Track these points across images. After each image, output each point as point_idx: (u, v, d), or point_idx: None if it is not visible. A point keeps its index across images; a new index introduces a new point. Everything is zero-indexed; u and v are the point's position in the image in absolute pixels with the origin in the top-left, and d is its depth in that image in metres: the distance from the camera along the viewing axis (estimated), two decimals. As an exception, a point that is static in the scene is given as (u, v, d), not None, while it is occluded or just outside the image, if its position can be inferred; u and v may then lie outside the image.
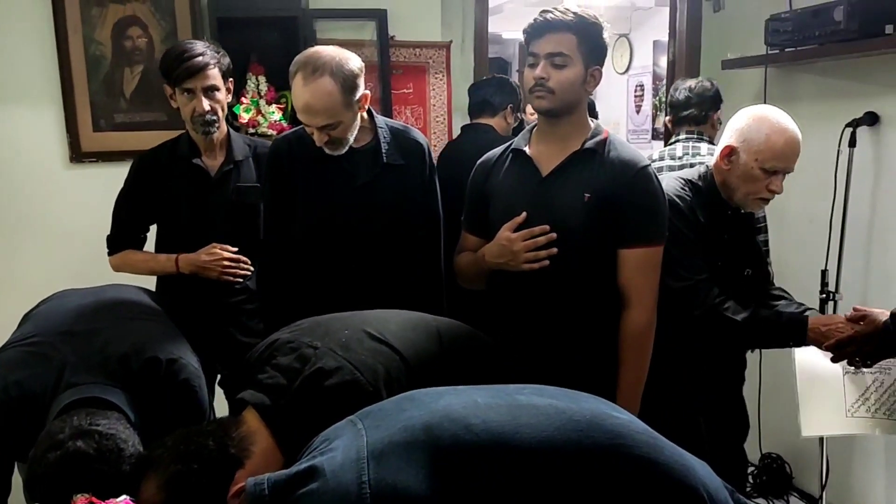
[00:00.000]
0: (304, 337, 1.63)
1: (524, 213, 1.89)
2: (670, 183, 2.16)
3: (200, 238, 2.37)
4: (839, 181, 3.03)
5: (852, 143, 3.00)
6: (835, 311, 3.00)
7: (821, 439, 3.05)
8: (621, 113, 8.94)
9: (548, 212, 1.87)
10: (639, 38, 7.09)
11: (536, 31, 1.88)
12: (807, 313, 2.16)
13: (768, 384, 3.56)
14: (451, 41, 3.43)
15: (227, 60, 2.39)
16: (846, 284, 3.03)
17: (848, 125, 2.98)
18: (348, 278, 2.14)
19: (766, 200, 2.16)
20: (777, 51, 3.15)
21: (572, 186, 1.87)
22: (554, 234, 1.86)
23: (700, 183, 2.20)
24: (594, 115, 4.40)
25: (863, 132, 3.01)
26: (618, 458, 1.14)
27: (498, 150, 2.08)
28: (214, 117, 2.33)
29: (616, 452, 1.14)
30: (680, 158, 3.05)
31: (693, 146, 3.06)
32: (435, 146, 3.38)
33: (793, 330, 2.08)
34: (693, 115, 3.10)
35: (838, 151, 3.00)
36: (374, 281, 2.14)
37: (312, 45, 2.27)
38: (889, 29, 2.69)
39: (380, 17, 3.22)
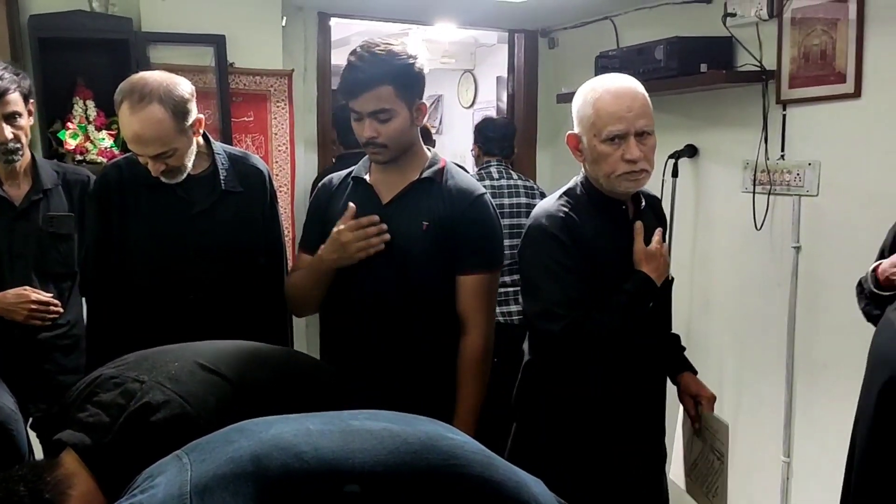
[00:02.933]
0: (129, 371, 1.53)
1: (352, 205, 1.89)
2: (545, 203, 1.91)
3: (10, 270, 2.24)
4: (665, 208, 3.22)
5: (675, 174, 3.21)
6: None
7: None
8: (468, 146, 9.14)
9: (389, 239, 1.87)
10: (483, 73, 7.32)
11: (352, 91, 1.82)
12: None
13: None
14: (293, 70, 3.40)
15: (27, 83, 2.28)
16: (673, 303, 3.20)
17: (671, 156, 3.19)
18: (186, 309, 2.04)
19: (634, 174, 1.80)
20: (606, 86, 3.33)
21: (411, 214, 1.88)
22: (384, 226, 1.86)
23: (578, 190, 1.91)
24: (430, 141, 4.53)
25: (684, 163, 3.23)
26: (452, 478, 1.13)
27: (341, 175, 2.06)
28: (17, 145, 2.22)
29: (451, 472, 1.14)
30: (496, 179, 3.48)
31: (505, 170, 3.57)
32: (276, 175, 3.32)
33: (642, 288, 1.82)
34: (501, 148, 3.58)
35: (663, 181, 3.20)
36: (214, 311, 2.05)
37: (146, 70, 2.17)
38: (704, 67, 2.91)
39: (218, 43, 3.15)
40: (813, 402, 2.83)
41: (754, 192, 2.93)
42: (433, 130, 5.96)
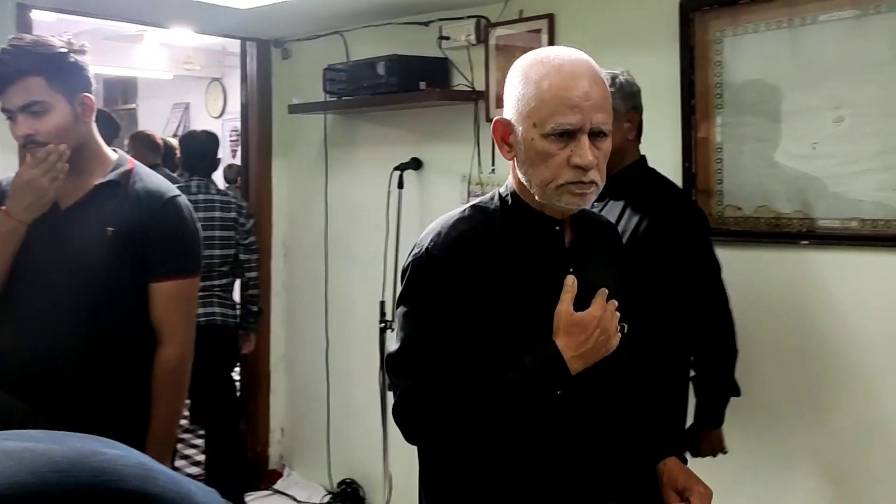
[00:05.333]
0: None
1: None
2: (446, 215, 1.42)
3: None
4: (391, 219, 3.34)
5: (400, 185, 3.34)
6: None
7: (384, 458, 3.30)
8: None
9: (66, 248, 1.76)
10: (233, 82, 7.15)
11: None
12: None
13: (337, 414, 3.77)
14: None
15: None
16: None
17: (396, 168, 3.32)
18: None
19: (582, 187, 1.31)
20: (335, 98, 3.39)
21: (94, 221, 1.78)
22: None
23: (496, 200, 1.41)
24: (158, 153, 4.38)
25: (409, 175, 3.37)
26: (104, 494, 1.09)
27: (10, 178, 1.91)
28: None
29: (102, 489, 1.09)
30: (195, 194, 3.57)
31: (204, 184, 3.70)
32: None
33: (544, 370, 1.32)
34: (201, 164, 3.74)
35: (388, 192, 3.32)
36: None
37: None
38: (422, 85, 3.06)
39: None
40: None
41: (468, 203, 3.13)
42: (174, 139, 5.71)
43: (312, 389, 3.90)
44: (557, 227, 1.40)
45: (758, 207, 2.32)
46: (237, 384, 4.15)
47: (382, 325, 3.28)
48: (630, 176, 2.10)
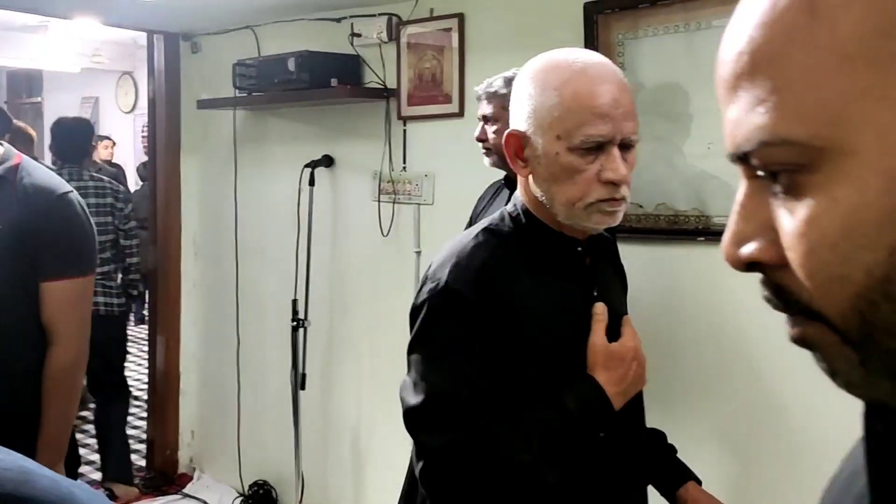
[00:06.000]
0: None
1: None
2: (456, 244, 1.28)
3: None
4: (303, 217, 3.31)
5: (312, 183, 3.31)
6: (305, 338, 3.26)
7: (296, 458, 3.27)
8: (129, 153, 8.64)
9: None
10: (144, 76, 6.95)
11: None
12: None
13: (248, 414, 3.72)
14: None
15: None
16: (314, 312, 3.30)
17: (307, 166, 3.29)
18: None
19: (614, 205, 1.21)
20: (245, 94, 3.34)
21: None
22: None
23: (508, 222, 1.29)
24: (31, 139, 4.26)
25: (321, 172, 3.34)
26: (-22, 498, 1.05)
27: None
28: None
29: (-23, 493, 1.06)
30: (67, 182, 3.61)
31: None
32: None
33: (590, 408, 1.22)
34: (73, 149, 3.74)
35: (299, 189, 3.29)
36: None
37: None
38: (334, 82, 3.04)
39: None
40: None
41: (379, 201, 3.13)
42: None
43: (224, 390, 3.83)
44: (579, 248, 1.28)
45: (657, 205, 2.39)
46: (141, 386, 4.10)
47: (294, 323, 3.25)
48: None
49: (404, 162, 3.07)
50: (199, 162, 3.96)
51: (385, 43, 3.02)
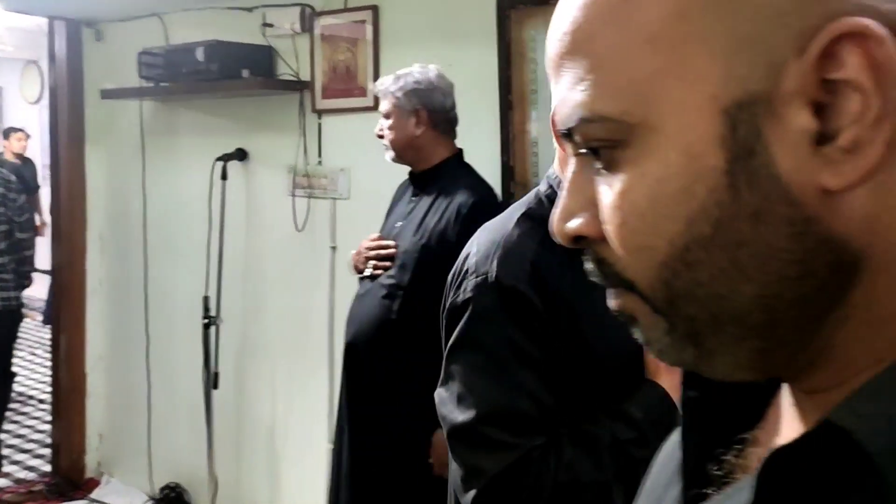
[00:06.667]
0: None
1: None
2: (491, 231, 1.15)
3: None
4: (214, 211, 3.21)
5: (224, 177, 3.22)
6: (217, 336, 3.17)
7: (208, 459, 3.19)
8: (36, 145, 8.27)
9: None
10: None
11: None
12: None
13: (159, 416, 3.61)
14: None
15: None
16: (226, 309, 3.21)
17: (219, 159, 3.19)
18: None
19: None
20: (152, 84, 3.22)
21: None
22: None
23: (544, 210, 1.10)
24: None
25: (234, 166, 3.25)
26: None
27: None
28: None
29: None
30: None
31: None
32: None
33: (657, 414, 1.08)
34: None
35: (211, 183, 3.20)
36: None
37: None
38: (246, 73, 2.96)
39: None
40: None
41: (294, 195, 3.07)
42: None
43: (133, 391, 3.70)
44: None
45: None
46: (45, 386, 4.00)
47: (206, 320, 3.16)
48: (442, 172, 2.22)
49: (319, 156, 3.02)
50: (105, 154, 3.81)
51: (298, 34, 2.95)
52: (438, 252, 2.10)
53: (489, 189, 2.28)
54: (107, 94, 3.41)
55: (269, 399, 3.29)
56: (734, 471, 0.44)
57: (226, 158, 3.22)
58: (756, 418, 0.47)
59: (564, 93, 0.42)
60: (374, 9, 2.77)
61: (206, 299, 3.18)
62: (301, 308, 3.15)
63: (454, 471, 1.10)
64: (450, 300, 1.11)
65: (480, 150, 2.41)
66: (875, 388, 0.37)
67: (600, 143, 0.41)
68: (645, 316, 0.42)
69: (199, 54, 2.95)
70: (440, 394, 1.10)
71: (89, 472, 3.96)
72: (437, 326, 2.21)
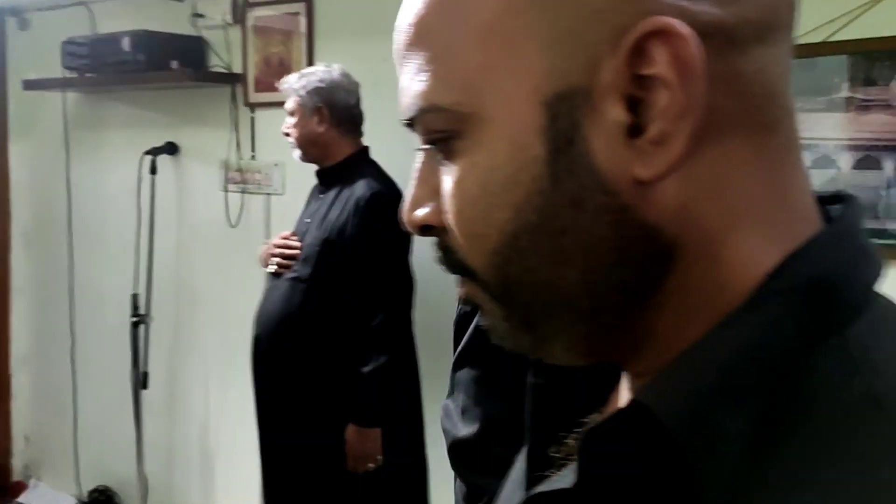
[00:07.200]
0: None
1: None
2: None
3: None
4: (144, 207, 3.13)
5: (153, 171, 3.13)
6: (147, 334, 3.09)
7: (138, 461, 3.11)
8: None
9: None
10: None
11: None
12: None
13: (86, 417, 3.51)
14: None
15: None
16: (157, 307, 3.13)
17: (147, 153, 3.10)
18: None
19: None
20: (77, 75, 3.11)
21: None
22: None
23: None
24: None
25: (164, 160, 3.17)
26: None
27: None
28: None
29: None
30: None
31: None
32: None
33: None
34: None
35: (139, 178, 3.11)
36: None
37: None
38: (174, 64, 2.88)
39: None
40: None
41: (227, 191, 3.01)
42: None
43: (59, 392, 3.58)
44: None
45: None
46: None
47: (135, 319, 3.07)
48: (345, 168, 2.30)
49: (253, 150, 2.96)
50: (29, 148, 3.67)
51: (230, 25, 2.89)
52: (339, 245, 2.21)
53: (390, 182, 2.30)
54: (29, 85, 3.29)
55: (202, 398, 3.22)
56: (572, 453, 0.46)
57: (155, 153, 3.13)
58: (602, 403, 0.49)
59: (407, 83, 0.43)
60: (309, 0, 2.72)
61: (134, 297, 3.09)
62: (234, 305, 3.08)
63: (458, 487, 1.09)
64: (458, 309, 1.12)
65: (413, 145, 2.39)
66: (674, 368, 0.39)
67: (439, 133, 0.42)
68: (485, 303, 0.44)
69: (126, 44, 2.86)
70: (447, 405, 1.11)
71: (16, 476, 3.83)
72: (339, 320, 2.26)
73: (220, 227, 3.05)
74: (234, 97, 2.93)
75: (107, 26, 3.22)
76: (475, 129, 0.40)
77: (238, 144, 2.97)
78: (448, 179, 0.42)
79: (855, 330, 0.38)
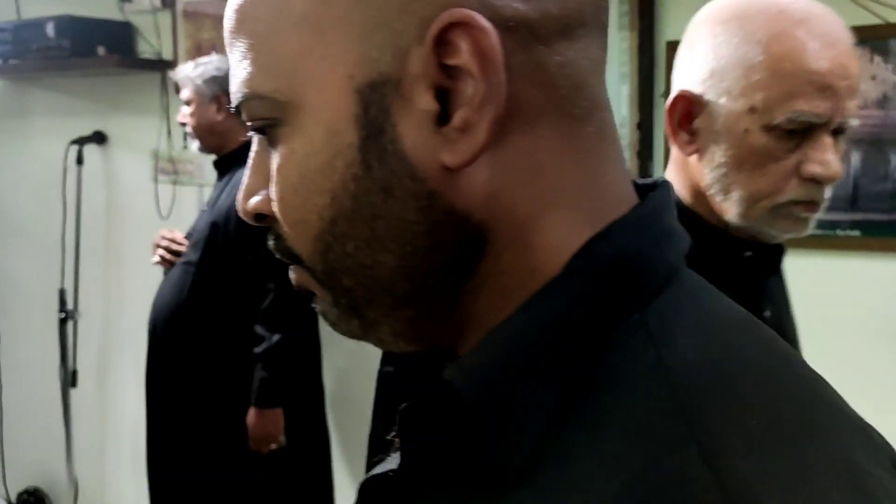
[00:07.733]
0: None
1: None
2: None
3: None
4: (69, 199, 3.02)
5: (80, 161, 3.02)
6: (76, 331, 2.99)
7: (67, 461, 3.01)
8: None
9: None
10: None
11: None
12: None
13: (12, 417, 3.39)
14: None
15: None
16: (85, 302, 3.03)
17: (74, 142, 3.00)
18: None
19: (809, 210, 0.93)
20: (0, 62, 2.99)
21: None
22: None
23: None
24: None
25: (92, 150, 3.06)
26: None
27: None
28: None
29: None
30: None
31: None
32: None
33: None
34: None
35: (65, 168, 3.00)
36: None
37: None
38: (101, 51, 2.78)
39: None
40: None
41: (157, 181, 2.92)
42: None
43: (-17, 392, 3.44)
44: (747, 254, 0.97)
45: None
46: None
47: (63, 314, 2.97)
48: (240, 154, 2.28)
49: (184, 140, 2.87)
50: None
51: (159, 10, 2.79)
52: (225, 228, 2.23)
53: None
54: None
55: (135, 396, 3.11)
56: None
57: (82, 142, 3.02)
58: None
59: (233, 69, 0.43)
60: (240, -14, 2.65)
61: (61, 292, 2.99)
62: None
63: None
64: None
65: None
66: (479, 346, 0.41)
67: (262, 121, 0.43)
68: (315, 289, 0.45)
69: (50, 30, 2.75)
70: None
71: (-64, 481, 3.67)
72: (231, 302, 2.30)
73: (150, 219, 2.96)
74: (164, 85, 2.84)
75: (31, 11, 3.09)
76: (294, 117, 0.41)
77: (169, 133, 2.89)
78: (273, 167, 0.43)
79: (656, 305, 0.40)
